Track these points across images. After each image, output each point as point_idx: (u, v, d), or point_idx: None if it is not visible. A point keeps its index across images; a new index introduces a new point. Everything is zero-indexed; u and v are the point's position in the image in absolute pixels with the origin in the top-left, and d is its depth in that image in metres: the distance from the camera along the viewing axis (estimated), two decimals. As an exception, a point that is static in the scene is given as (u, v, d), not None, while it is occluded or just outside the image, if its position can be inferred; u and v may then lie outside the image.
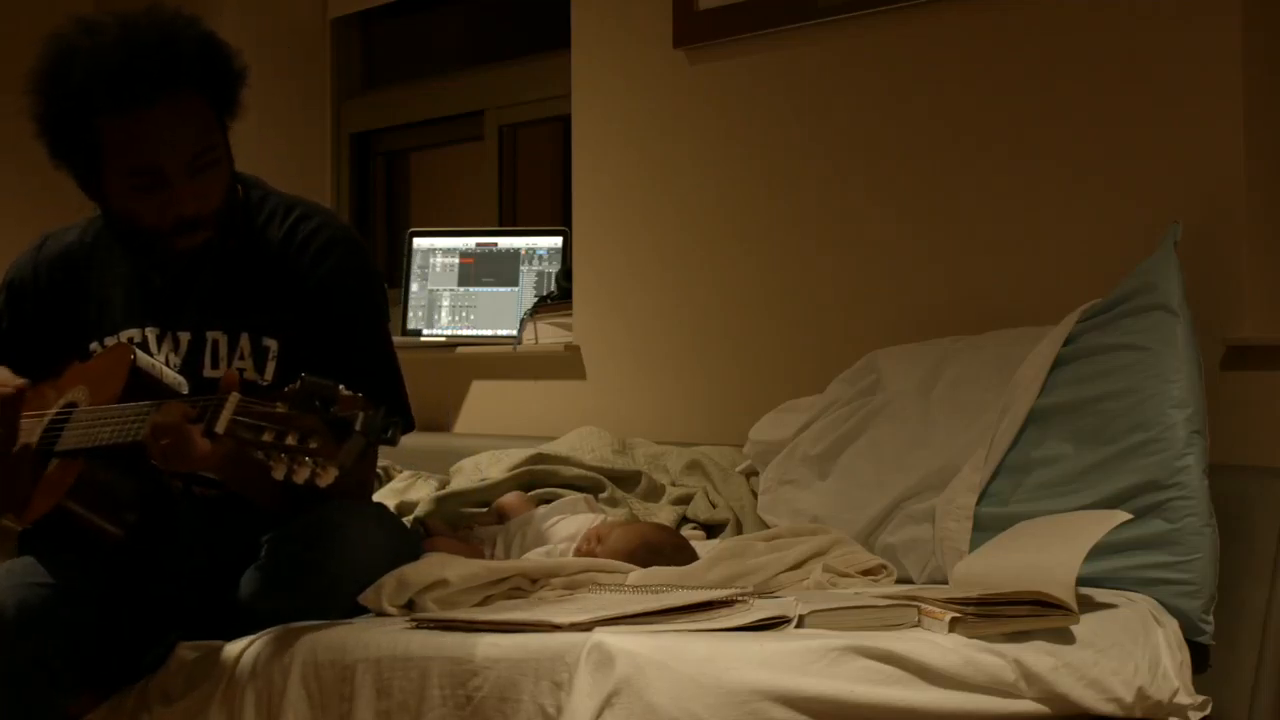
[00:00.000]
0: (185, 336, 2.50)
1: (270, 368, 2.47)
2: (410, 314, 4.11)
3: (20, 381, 2.39)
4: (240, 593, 2.35)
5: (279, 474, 2.01)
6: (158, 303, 2.51)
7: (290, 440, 1.99)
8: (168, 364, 2.46)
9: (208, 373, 2.47)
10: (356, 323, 2.52)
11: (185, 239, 2.42)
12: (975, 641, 2.05)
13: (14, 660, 2.25)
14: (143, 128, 2.35)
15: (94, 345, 2.52)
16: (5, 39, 4.97)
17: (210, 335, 2.49)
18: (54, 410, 2.41)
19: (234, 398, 2.07)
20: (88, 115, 2.36)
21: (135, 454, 2.25)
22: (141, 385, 2.32)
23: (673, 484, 3.15)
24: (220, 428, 2.07)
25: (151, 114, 2.35)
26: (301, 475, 2.00)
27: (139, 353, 2.37)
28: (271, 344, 2.48)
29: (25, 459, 2.37)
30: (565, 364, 3.78)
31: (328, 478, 2.00)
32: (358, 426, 2.00)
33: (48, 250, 2.61)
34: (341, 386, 2.02)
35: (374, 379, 2.45)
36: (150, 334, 2.50)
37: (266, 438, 2.01)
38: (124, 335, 2.51)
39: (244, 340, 2.48)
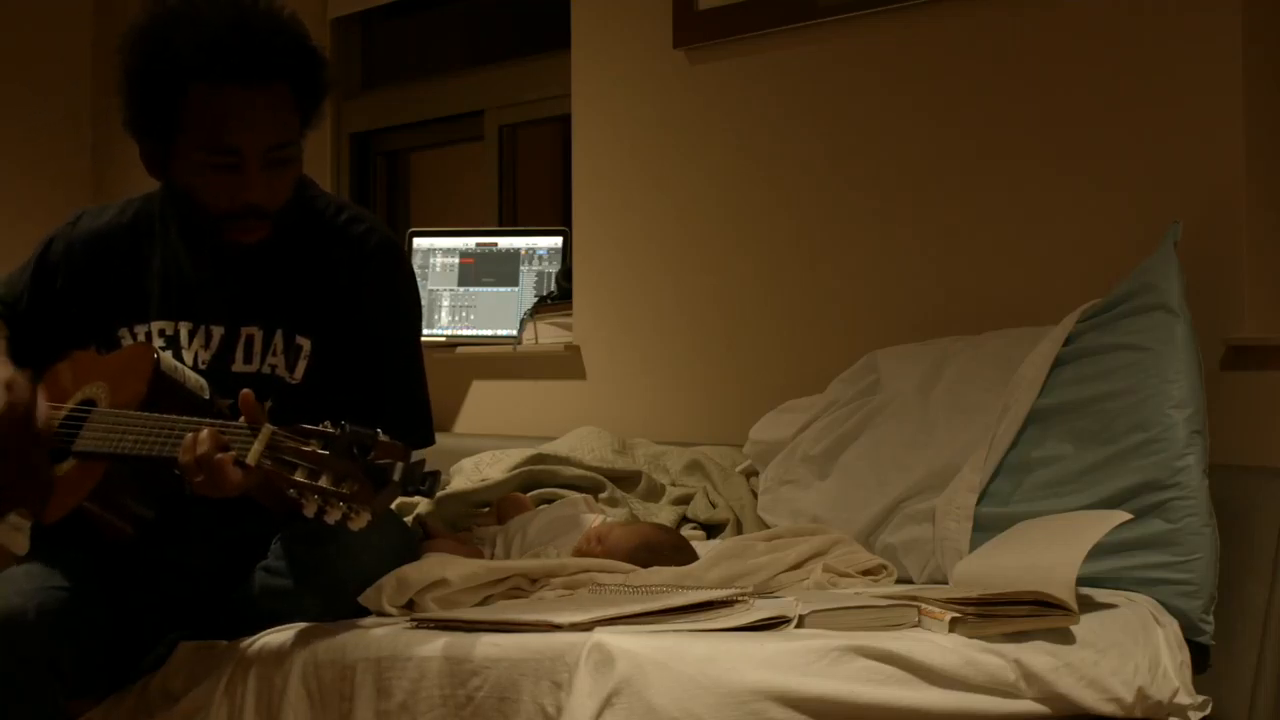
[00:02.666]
0: (219, 331, 2.48)
1: (301, 366, 2.46)
2: (411, 314, 4.11)
3: (27, 396, 2.36)
4: (247, 592, 2.35)
5: (310, 511, 2.00)
6: (193, 295, 2.49)
7: (324, 482, 1.98)
8: (196, 360, 2.44)
9: (237, 367, 2.45)
10: (392, 329, 2.51)
11: (245, 230, 2.40)
12: (975, 641, 2.05)
13: (29, 663, 2.24)
14: (235, 104, 2.34)
15: (122, 332, 2.50)
16: (7, 40, 4.99)
17: (245, 330, 2.47)
18: (70, 405, 2.39)
19: (267, 431, 2.06)
20: (183, 79, 2.34)
21: (157, 464, 2.23)
22: (164, 389, 2.30)
23: (673, 484, 3.14)
24: (251, 460, 2.06)
25: (247, 94, 2.34)
26: (334, 517, 1.99)
27: (162, 355, 2.35)
28: (305, 343, 2.46)
29: (40, 454, 2.36)
30: (565, 364, 3.78)
31: (360, 523, 2.00)
32: (395, 476, 1.99)
33: (82, 227, 2.58)
34: (380, 432, 2.01)
35: (401, 388, 2.45)
36: (183, 328, 2.48)
37: (299, 476, 2.00)
38: (155, 327, 2.49)
39: (278, 337, 2.46)
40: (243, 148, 2.34)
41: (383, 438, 2.00)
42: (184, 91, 2.35)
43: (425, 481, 2.04)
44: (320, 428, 2.03)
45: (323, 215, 2.52)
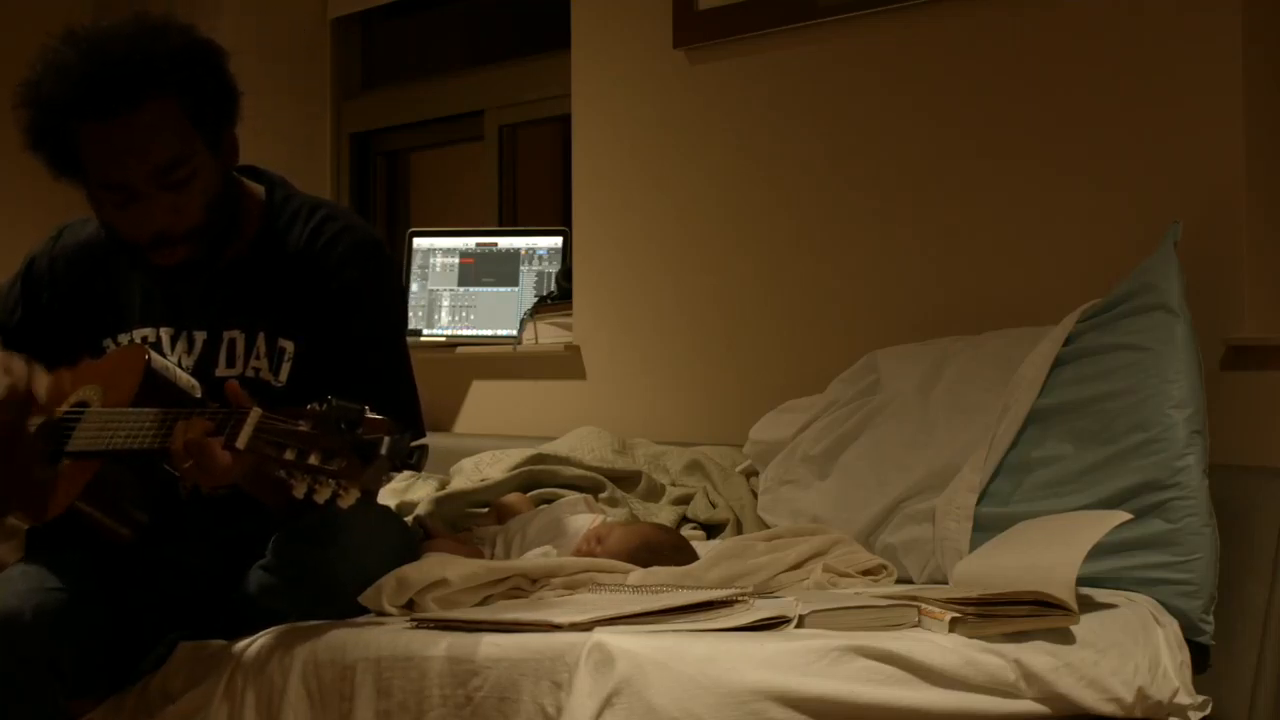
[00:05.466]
0: (201, 335, 2.47)
1: (285, 369, 2.46)
2: (410, 314, 4.11)
3: (27, 382, 2.36)
4: (246, 591, 2.35)
5: (299, 492, 1.99)
6: (174, 302, 2.49)
7: (313, 460, 1.98)
8: (180, 365, 2.44)
9: (220, 371, 2.45)
10: (375, 328, 2.50)
11: (162, 255, 2.37)
12: (975, 641, 2.05)
13: (28, 664, 2.24)
14: (109, 139, 2.30)
15: (108, 342, 2.50)
16: (7, 40, 4.98)
17: (227, 334, 2.47)
18: (64, 408, 2.40)
19: (255, 413, 2.05)
20: (63, 125, 2.32)
21: (148, 457, 2.23)
22: (156, 387, 2.30)
23: (673, 484, 3.14)
24: (241, 443, 2.06)
25: (116, 125, 2.29)
26: (323, 495, 1.98)
27: (153, 354, 2.35)
28: (288, 345, 2.46)
29: (35, 457, 2.36)
30: (565, 364, 3.78)
31: (349, 499, 1.99)
32: (383, 450, 1.98)
33: (64, 242, 2.58)
34: (368, 409, 2.00)
35: (387, 386, 2.44)
36: (165, 334, 2.48)
37: (288, 455, 2.00)
38: (138, 334, 2.49)
39: (260, 340, 2.46)
40: (127, 181, 2.31)
41: (370, 413, 2.00)
42: (70, 135, 2.32)
43: (414, 455, 2.03)
44: (308, 408, 2.02)
45: (298, 216, 2.52)
